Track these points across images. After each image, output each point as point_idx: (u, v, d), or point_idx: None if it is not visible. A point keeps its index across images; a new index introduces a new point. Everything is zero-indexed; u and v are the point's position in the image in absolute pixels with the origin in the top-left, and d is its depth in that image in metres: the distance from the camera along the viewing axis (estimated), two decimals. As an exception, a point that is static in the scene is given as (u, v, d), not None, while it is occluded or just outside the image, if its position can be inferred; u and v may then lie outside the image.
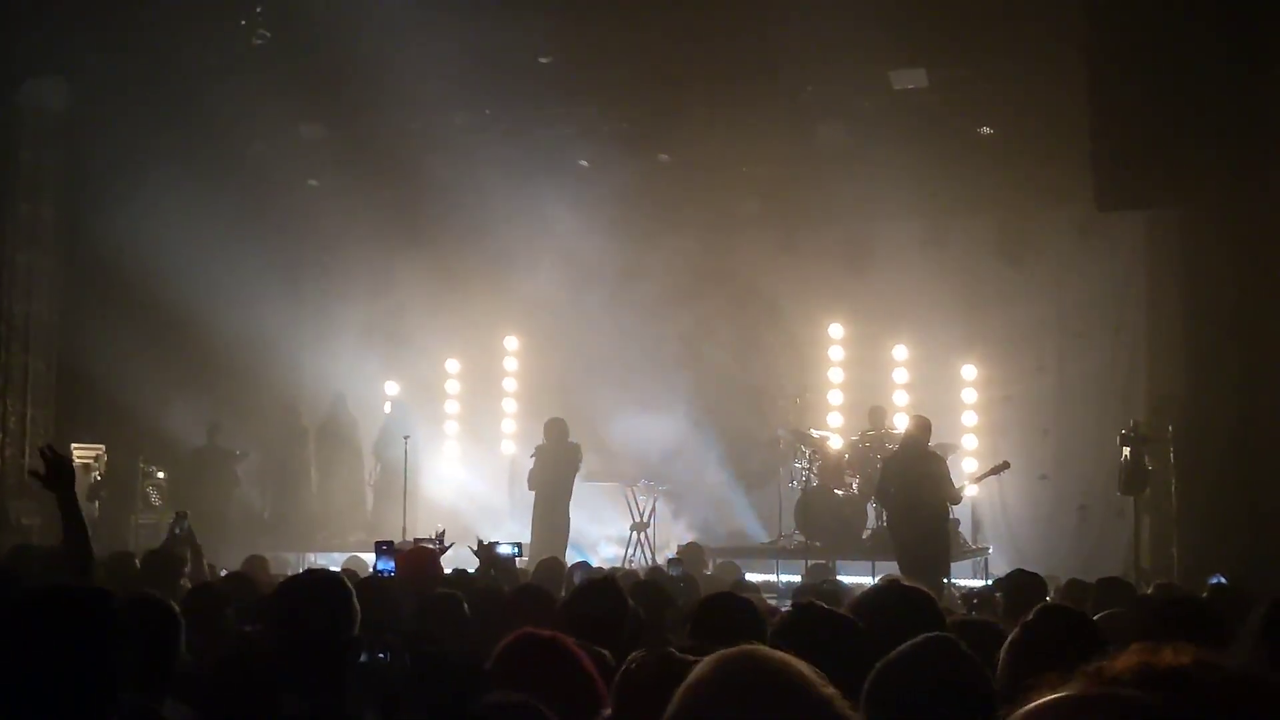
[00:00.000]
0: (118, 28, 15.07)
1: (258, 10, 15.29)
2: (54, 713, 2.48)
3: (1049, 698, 1.35)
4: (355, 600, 3.96)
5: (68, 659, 2.51)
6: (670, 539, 16.43)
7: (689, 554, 13.62)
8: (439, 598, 6.01)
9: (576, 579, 8.43)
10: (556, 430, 16.08)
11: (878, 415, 16.82)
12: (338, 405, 18.89)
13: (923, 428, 13.55)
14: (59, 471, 5.12)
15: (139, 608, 4.33)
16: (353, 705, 3.52)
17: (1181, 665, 1.34)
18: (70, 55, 15.81)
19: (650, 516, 16.90)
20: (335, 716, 3.44)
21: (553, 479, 15.83)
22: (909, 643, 3.04)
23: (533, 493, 16.05)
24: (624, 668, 3.21)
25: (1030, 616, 3.89)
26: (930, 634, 3.18)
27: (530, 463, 16.27)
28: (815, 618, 3.76)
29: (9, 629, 2.56)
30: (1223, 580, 9.67)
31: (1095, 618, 5.01)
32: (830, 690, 1.86)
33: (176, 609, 4.23)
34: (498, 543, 9.50)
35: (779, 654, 1.91)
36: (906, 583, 3.90)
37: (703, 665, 1.90)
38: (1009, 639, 3.66)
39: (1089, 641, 3.54)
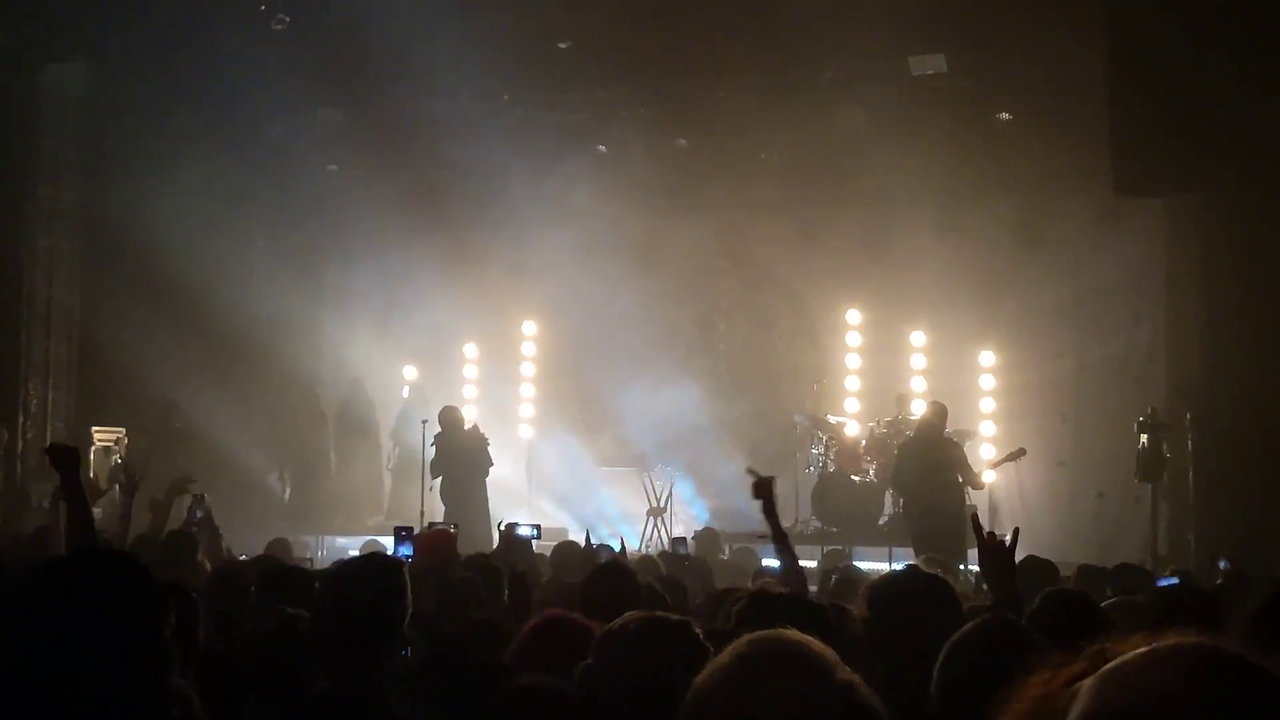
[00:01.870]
0: (137, 13, 15.12)
1: (277, -5, 15.33)
2: (108, 689, 2.44)
3: (1140, 650, 1.38)
4: (409, 590, 3.95)
5: (126, 628, 2.47)
6: (686, 524, 16.47)
7: (704, 539, 13.67)
8: (460, 581, 6.06)
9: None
10: (451, 419, 16.17)
11: (903, 402, 16.85)
12: (356, 389, 18.97)
13: (939, 414, 13.57)
14: (63, 456, 5.34)
15: (160, 590, 4.39)
16: (388, 689, 3.55)
17: (1180, 645, 1.38)
18: (90, 40, 15.88)
19: (666, 501, 16.96)
20: (370, 697, 3.47)
21: (465, 471, 15.87)
22: (974, 623, 3.07)
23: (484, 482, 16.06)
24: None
25: (1036, 603, 3.91)
26: (996, 615, 3.22)
27: (431, 454, 16.23)
28: (773, 603, 3.81)
29: (54, 593, 2.52)
30: (1226, 564, 9.69)
31: (1105, 604, 5.04)
32: (852, 675, 1.89)
33: (192, 593, 4.28)
34: (518, 524, 9.59)
35: (803, 637, 1.94)
36: (925, 569, 3.92)
37: (730, 647, 1.93)
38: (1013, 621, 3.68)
39: (1094, 626, 3.56)
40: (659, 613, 3.40)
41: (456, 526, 10.11)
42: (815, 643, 1.93)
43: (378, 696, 3.47)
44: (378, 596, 3.79)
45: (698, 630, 3.20)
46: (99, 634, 2.43)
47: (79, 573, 2.58)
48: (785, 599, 3.92)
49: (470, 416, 20.00)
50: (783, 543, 5.73)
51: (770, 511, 5.74)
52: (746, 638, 1.94)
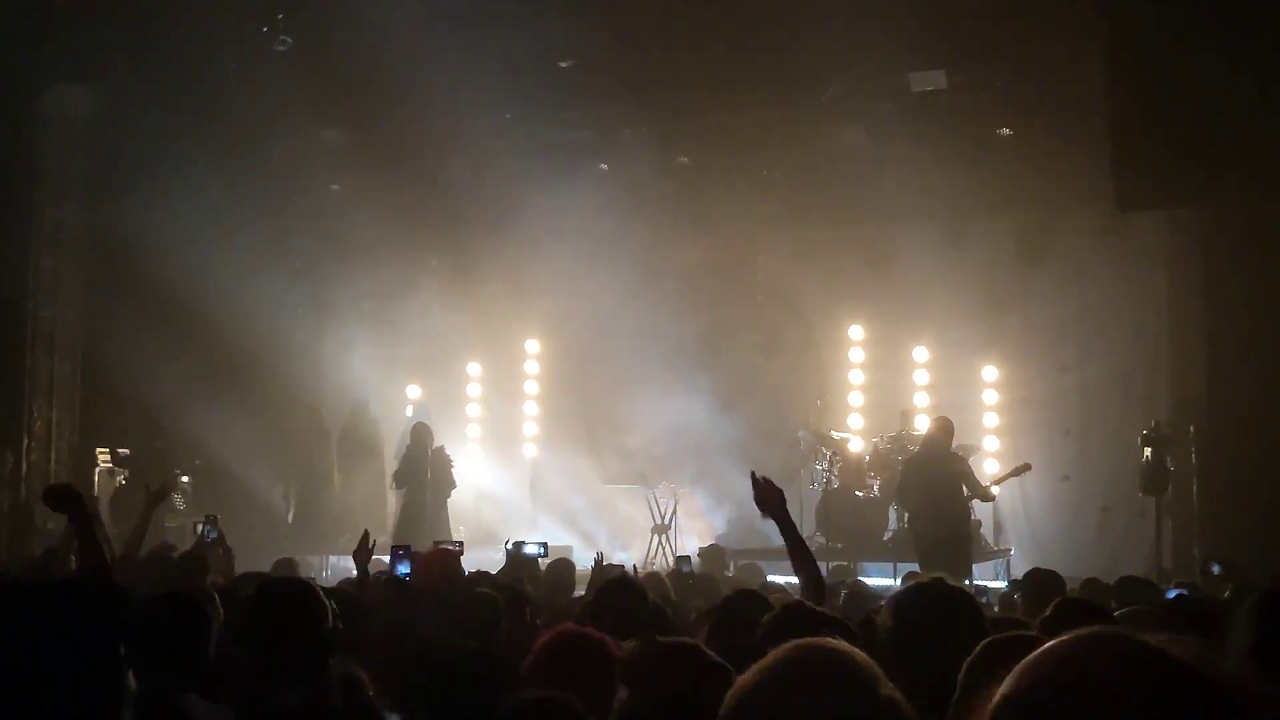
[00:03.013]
0: (141, 35, 15.16)
1: (279, 17, 15.37)
2: (63, 696, 2.51)
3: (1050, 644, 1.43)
4: (322, 597, 4.21)
5: (71, 644, 2.55)
6: (691, 541, 16.46)
7: (709, 555, 13.66)
8: (475, 597, 6.07)
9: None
10: (421, 435, 16.39)
11: (908, 418, 16.86)
12: (360, 409, 18.98)
13: (944, 429, 13.58)
14: (61, 499, 5.38)
15: (170, 602, 4.45)
16: (336, 697, 3.62)
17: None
18: (94, 62, 15.91)
19: (671, 519, 16.95)
20: (322, 706, 3.54)
21: (428, 488, 16.11)
22: (992, 638, 3.07)
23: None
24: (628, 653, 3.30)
25: (1048, 612, 3.90)
26: (1011, 634, 3.21)
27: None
28: (803, 617, 3.81)
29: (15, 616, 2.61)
30: (1219, 569, 9.69)
31: (1118, 614, 5.04)
32: (895, 691, 1.89)
33: (206, 605, 4.35)
34: (524, 542, 9.61)
35: (849, 648, 1.94)
36: (951, 582, 3.92)
37: (769, 656, 1.93)
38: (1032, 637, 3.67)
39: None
40: (666, 638, 3.43)
41: (462, 545, 10.10)
42: (860, 654, 1.93)
43: (331, 704, 3.52)
44: (294, 612, 3.95)
45: (709, 654, 3.22)
46: (51, 662, 2.52)
47: (38, 601, 2.67)
48: (815, 613, 3.93)
49: (474, 435, 20.08)
50: (802, 553, 5.58)
51: (783, 520, 5.61)
52: (792, 643, 1.93)
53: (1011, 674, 1.41)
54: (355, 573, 7.44)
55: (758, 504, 5.71)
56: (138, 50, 15.38)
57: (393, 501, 18.44)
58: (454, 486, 16.53)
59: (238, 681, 4.16)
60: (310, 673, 3.84)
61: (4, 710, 2.46)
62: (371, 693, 3.46)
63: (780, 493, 5.71)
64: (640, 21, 15.09)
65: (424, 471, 16.40)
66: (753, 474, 5.81)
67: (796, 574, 5.57)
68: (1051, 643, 1.43)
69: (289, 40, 15.42)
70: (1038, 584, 6.98)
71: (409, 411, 19.29)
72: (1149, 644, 1.38)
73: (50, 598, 2.69)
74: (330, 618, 4.12)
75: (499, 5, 14.75)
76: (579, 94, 16.48)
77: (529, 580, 8.33)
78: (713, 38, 15.00)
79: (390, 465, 18.67)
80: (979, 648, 3.11)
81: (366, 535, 7.17)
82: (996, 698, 1.41)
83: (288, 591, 4.34)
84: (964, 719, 1.74)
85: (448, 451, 17.08)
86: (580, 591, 8.56)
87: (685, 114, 17.13)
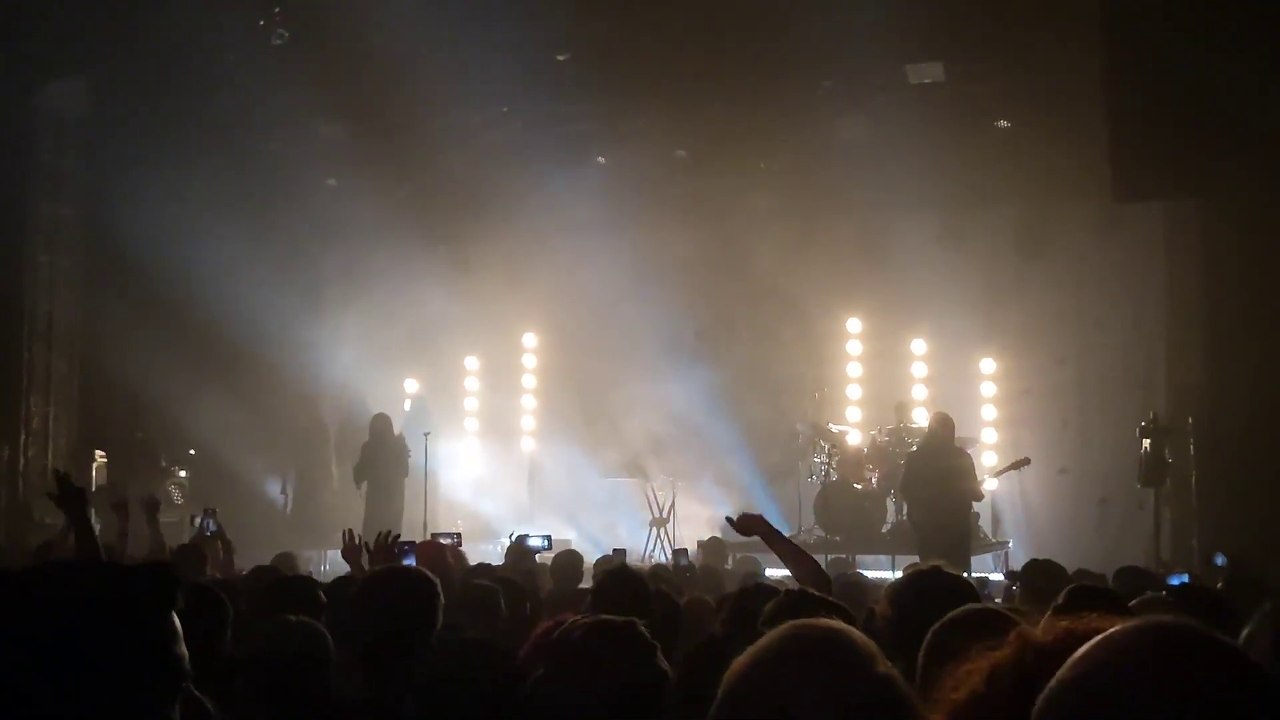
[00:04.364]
0: (136, 29, 15.14)
1: (276, 10, 15.34)
2: (117, 699, 2.38)
3: (1094, 639, 1.41)
4: (440, 604, 4.10)
5: (136, 637, 2.41)
6: (689, 534, 16.46)
7: (710, 548, 13.66)
8: (475, 588, 6.06)
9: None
10: (381, 426, 16.38)
11: (903, 410, 16.86)
12: (357, 404, 18.95)
13: (945, 423, 13.62)
14: (68, 495, 5.35)
15: (190, 595, 4.40)
16: (405, 697, 3.58)
17: (1097, 628, 1.43)
18: (89, 57, 15.89)
19: (669, 512, 16.95)
20: (389, 705, 3.50)
21: (389, 476, 16.11)
22: (959, 610, 3.07)
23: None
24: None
25: (1061, 600, 3.90)
26: (975, 604, 3.22)
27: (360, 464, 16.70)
28: (805, 603, 3.81)
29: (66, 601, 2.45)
30: (1224, 560, 9.69)
31: (1132, 603, 5.02)
32: (892, 668, 1.89)
33: (225, 598, 4.31)
34: (527, 535, 9.63)
35: (846, 627, 1.94)
36: (949, 571, 3.92)
37: (767, 636, 1.93)
38: (1044, 621, 3.66)
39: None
40: (603, 616, 3.42)
41: (459, 537, 10.09)
42: (857, 633, 1.94)
43: (396, 703, 3.48)
44: (414, 608, 3.86)
45: (643, 629, 3.20)
46: (107, 641, 2.38)
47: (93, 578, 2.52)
48: (817, 599, 3.92)
49: (472, 428, 20.06)
50: (797, 557, 5.56)
51: (773, 538, 5.67)
52: (790, 624, 1.94)
53: (1069, 662, 1.40)
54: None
55: (742, 533, 5.83)
56: (133, 45, 15.36)
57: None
58: (405, 474, 16.50)
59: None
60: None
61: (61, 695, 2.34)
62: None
63: (759, 518, 5.84)
64: (637, 14, 15.08)
65: (383, 463, 16.40)
66: (727, 518, 6.04)
67: (798, 579, 5.54)
68: (1111, 630, 1.41)
69: (285, 34, 15.39)
70: (1036, 575, 6.98)
71: (407, 406, 19.28)
72: (1213, 636, 1.37)
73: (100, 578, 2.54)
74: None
75: (496, -1, 14.74)
76: (577, 87, 16.45)
77: (532, 573, 8.32)
78: (710, 30, 14.99)
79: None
80: (939, 623, 3.10)
81: (350, 534, 7.12)
82: (1053, 682, 1.39)
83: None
84: (931, 691, 1.73)
85: (408, 441, 17.01)
86: (587, 584, 8.56)
87: (683, 107, 17.10)
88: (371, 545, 6.58)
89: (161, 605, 2.41)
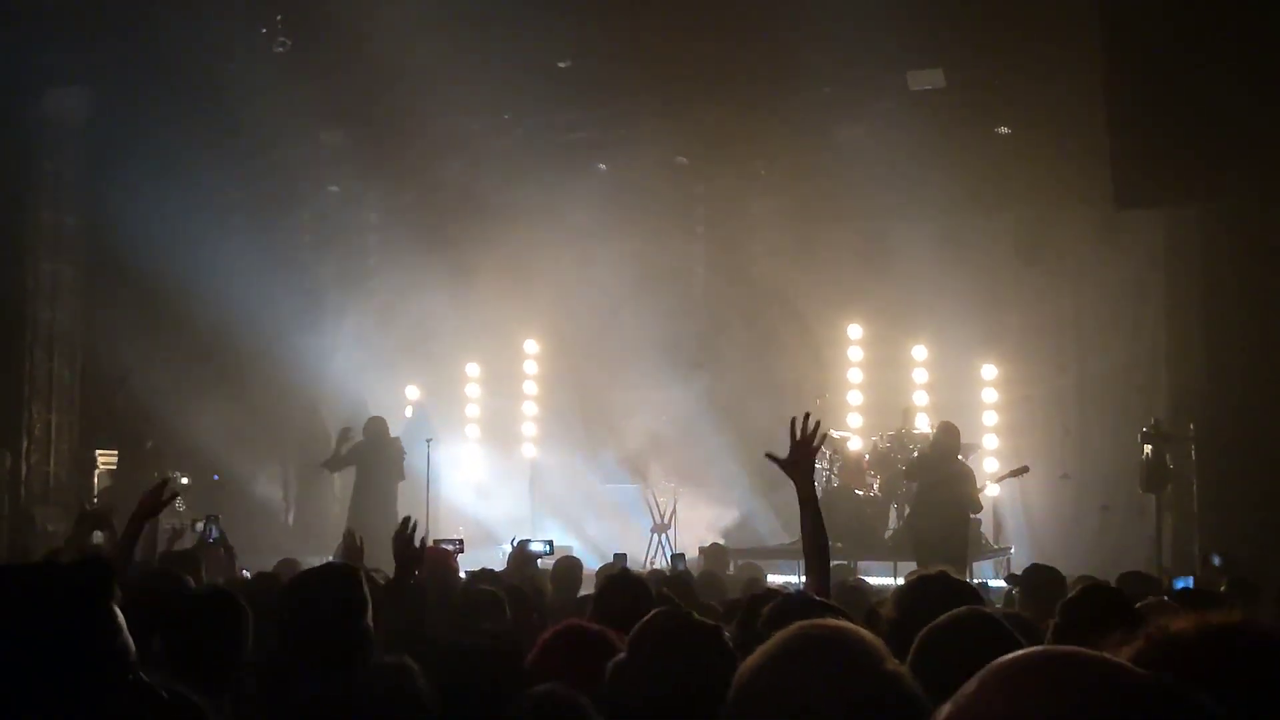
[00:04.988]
0: (138, 37, 15.16)
1: (278, 18, 15.36)
2: (56, 684, 2.47)
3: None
4: (365, 589, 4.13)
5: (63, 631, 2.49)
6: (691, 540, 16.47)
7: (712, 554, 13.68)
8: (477, 593, 6.07)
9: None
10: (377, 429, 16.32)
11: (909, 415, 16.88)
12: (359, 411, 18.94)
13: (951, 432, 13.70)
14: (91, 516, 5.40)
15: (205, 600, 4.43)
16: (364, 690, 3.60)
17: (1232, 623, 1.43)
18: (91, 65, 15.91)
19: (670, 518, 16.96)
20: (349, 700, 3.52)
21: (382, 479, 16.05)
22: (948, 614, 3.09)
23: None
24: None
25: (1073, 594, 3.92)
26: (970, 607, 3.23)
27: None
28: (804, 606, 3.82)
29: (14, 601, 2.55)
30: (1220, 560, 9.70)
31: (1140, 604, 5.05)
32: (900, 666, 1.92)
33: (242, 601, 4.32)
34: (529, 540, 9.65)
35: (853, 627, 1.97)
36: (953, 575, 3.94)
37: (777, 636, 1.96)
38: (1053, 623, 3.69)
39: (1129, 622, 3.56)
40: (694, 615, 3.43)
41: (460, 543, 10.10)
42: (865, 633, 1.96)
43: (357, 700, 3.50)
44: (336, 606, 3.89)
45: (727, 637, 3.23)
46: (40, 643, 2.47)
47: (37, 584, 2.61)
48: (815, 602, 3.95)
49: (473, 435, 20.07)
50: (817, 538, 5.32)
51: (810, 498, 5.42)
52: (798, 624, 1.97)
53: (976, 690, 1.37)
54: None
55: (787, 463, 5.36)
56: (134, 52, 15.37)
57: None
58: (403, 477, 16.46)
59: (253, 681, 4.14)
60: (346, 665, 3.81)
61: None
62: (421, 683, 3.42)
63: (811, 445, 5.36)
64: (638, 22, 15.10)
65: (375, 466, 16.32)
66: (768, 454, 5.46)
67: (806, 568, 5.45)
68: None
69: (287, 41, 15.41)
70: (1037, 580, 6.99)
71: (408, 412, 19.29)
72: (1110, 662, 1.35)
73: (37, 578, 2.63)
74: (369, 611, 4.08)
75: (497, 5, 14.75)
76: (577, 94, 16.48)
77: (533, 579, 8.33)
78: (711, 38, 15.00)
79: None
80: (931, 625, 3.09)
81: (352, 534, 7.12)
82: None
83: (328, 581, 4.28)
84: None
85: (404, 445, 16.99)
86: (586, 590, 8.56)
87: (683, 113, 17.12)
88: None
89: (96, 598, 2.52)
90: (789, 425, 5.25)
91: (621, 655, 3.23)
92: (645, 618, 3.32)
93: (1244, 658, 1.38)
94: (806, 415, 5.29)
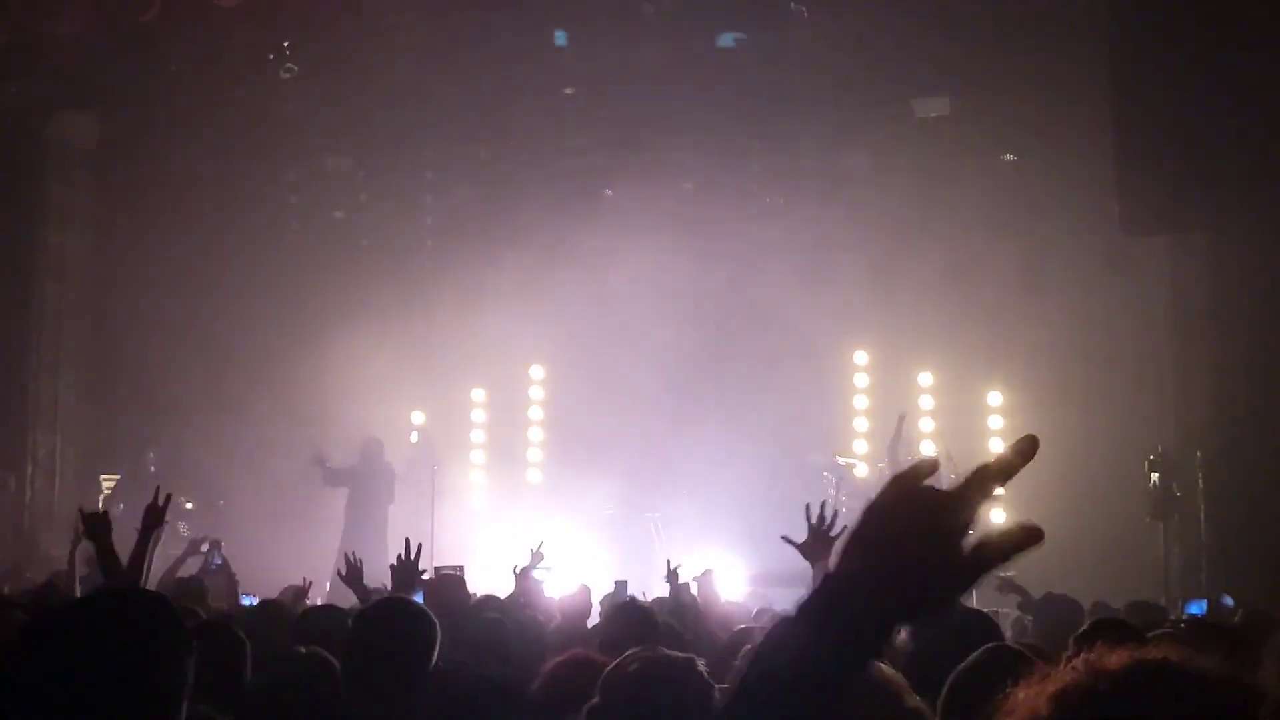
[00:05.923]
0: (146, 62, 15.21)
1: (285, 45, 15.42)
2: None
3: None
4: (438, 632, 4.18)
5: (134, 662, 2.50)
6: (695, 567, 16.37)
7: (713, 582, 13.59)
8: (485, 622, 6.04)
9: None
10: (371, 449, 16.31)
11: (902, 420, 16.83)
12: (363, 436, 18.90)
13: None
14: (93, 526, 5.45)
15: (206, 631, 4.42)
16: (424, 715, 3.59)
17: (1163, 659, 1.43)
18: (99, 89, 15.96)
19: (674, 544, 16.86)
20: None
21: (373, 499, 16.04)
22: (976, 655, 3.05)
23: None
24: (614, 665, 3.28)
25: (1084, 629, 3.88)
26: (996, 644, 3.20)
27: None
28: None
29: (71, 628, 2.55)
30: (1231, 601, 9.64)
31: (1152, 635, 5.00)
32: (920, 702, 1.89)
33: (241, 634, 4.33)
34: (533, 567, 9.60)
35: (875, 664, 1.93)
36: (969, 606, 3.91)
37: None
38: (1066, 655, 3.64)
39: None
40: (663, 650, 3.40)
41: (461, 569, 10.06)
42: (885, 668, 1.93)
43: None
44: (408, 637, 3.87)
45: (702, 668, 3.19)
46: (114, 671, 2.47)
47: (100, 611, 2.61)
48: None
49: (478, 460, 20.03)
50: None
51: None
52: None
53: (1051, 696, 1.40)
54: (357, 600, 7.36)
55: (805, 550, 5.44)
56: (142, 78, 15.42)
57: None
58: (391, 501, 16.45)
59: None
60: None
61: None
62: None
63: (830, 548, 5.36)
64: (644, 50, 15.14)
65: (367, 488, 16.31)
66: (807, 508, 5.53)
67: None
68: (1095, 665, 1.41)
69: (294, 68, 15.46)
70: (1055, 609, 6.93)
71: (413, 438, 19.25)
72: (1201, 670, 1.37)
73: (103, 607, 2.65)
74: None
75: (503, 33, 14.80)
76: (583, 120, 16.51)
77: (540, 605, 8.28)
78: (716, 64, 15.04)
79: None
80: (961, 666, 3.07)
81: (350, 558, 7.10)
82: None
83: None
84: None
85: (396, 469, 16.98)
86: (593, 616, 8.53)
87: (689, 140, 17.15)
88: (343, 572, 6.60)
89: (169, 632, 2.53)
90: (795, 448, 5.31)
91: (595, 700, 3.19)
92: (614, 662, 3.28)
93: (1169, 698, 1.37)
94: (823, 504, 5.28)
